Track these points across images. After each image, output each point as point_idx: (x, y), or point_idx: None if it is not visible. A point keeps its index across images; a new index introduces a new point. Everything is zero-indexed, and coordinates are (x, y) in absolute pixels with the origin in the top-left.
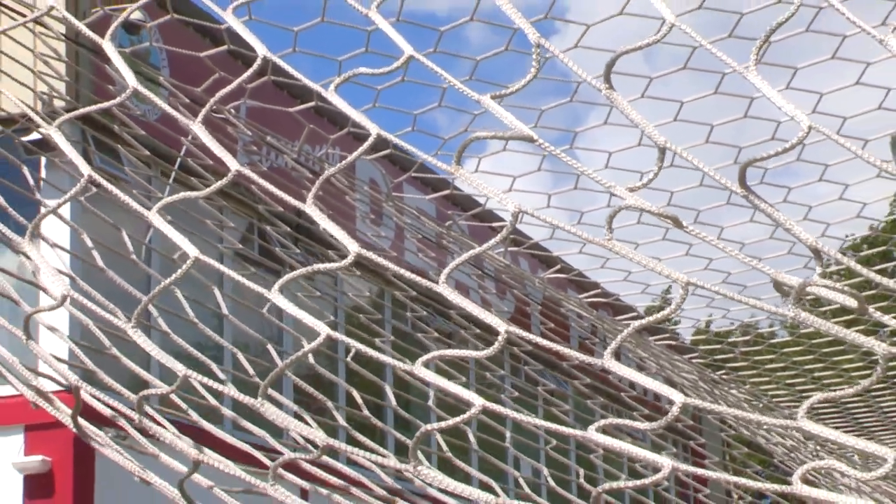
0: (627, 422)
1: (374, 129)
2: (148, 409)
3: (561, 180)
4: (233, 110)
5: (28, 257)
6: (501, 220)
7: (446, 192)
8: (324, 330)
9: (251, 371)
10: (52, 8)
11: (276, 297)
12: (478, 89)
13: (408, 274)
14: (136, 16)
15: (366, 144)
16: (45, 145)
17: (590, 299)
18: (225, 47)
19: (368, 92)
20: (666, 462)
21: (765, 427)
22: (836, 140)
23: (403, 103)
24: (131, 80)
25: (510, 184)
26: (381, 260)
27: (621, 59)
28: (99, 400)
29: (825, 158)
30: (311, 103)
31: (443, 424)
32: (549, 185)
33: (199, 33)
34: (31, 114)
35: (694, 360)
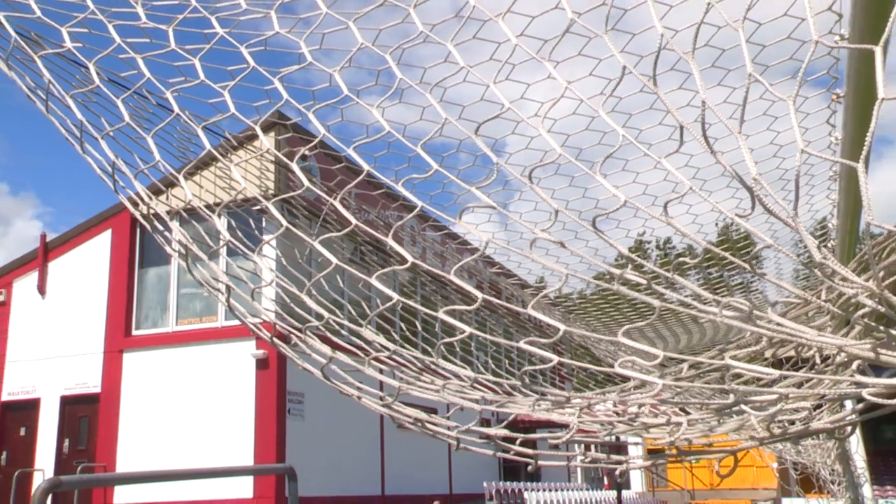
0: (539, 339)
1: (455, 219)
2: (308, 331)
3: (503, 219)
4: (347, 192)
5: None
6: (470, 243)
7: (446, 230)
8: (395, 296)
9: (353, 312)
10: (268, 149)
11: (374, 280)
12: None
13: (430, 268)
14: (304, 151)
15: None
16: (263, 211)
17: (512, 281)
18: (343, 164)
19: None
20: (553, 357)
21: (595, 341)
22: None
23: (423, 186)
24: (304, 181)
25: (476, 224)
26: (429, 267)
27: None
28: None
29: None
30: (383, 189)
31: (457, 338)
32: (498, 224)
33: (332, 158)
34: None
35: (557, 306)
